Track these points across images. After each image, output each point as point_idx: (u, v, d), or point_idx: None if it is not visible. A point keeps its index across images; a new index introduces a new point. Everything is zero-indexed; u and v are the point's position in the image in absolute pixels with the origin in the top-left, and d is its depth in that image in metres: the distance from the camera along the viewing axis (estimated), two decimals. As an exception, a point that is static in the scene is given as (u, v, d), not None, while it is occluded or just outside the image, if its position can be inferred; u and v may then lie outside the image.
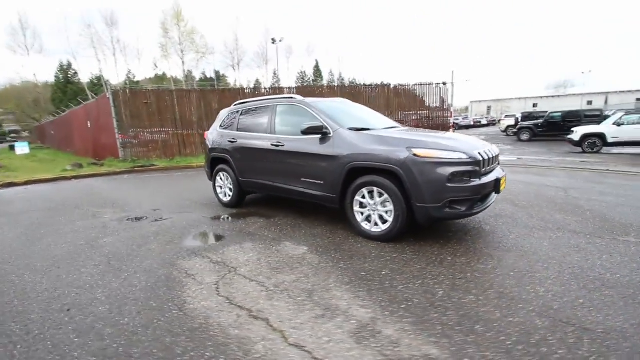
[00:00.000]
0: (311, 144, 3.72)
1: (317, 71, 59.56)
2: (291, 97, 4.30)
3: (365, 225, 3.38)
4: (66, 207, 5.54)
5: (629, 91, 41.07)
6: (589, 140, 11.93)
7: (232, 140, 4.77)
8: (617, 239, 3.13)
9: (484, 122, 41.57)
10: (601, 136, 11.76)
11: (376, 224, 3.30)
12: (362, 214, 3.41)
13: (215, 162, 5.19)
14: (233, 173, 4.81)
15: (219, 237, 3.72)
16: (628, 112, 12.04)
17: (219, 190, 5.20)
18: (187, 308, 2.22)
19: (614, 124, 11.65)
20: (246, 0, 69.02)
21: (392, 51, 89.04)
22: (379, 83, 13.03)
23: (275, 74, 54.62)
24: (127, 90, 11.74)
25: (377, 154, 3.16)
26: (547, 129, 17.65)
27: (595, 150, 11.77)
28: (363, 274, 2.62)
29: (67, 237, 3.91)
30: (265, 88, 13.42)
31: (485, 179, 3.04)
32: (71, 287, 2.62)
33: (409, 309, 2.09)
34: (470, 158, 2.95)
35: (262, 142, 4.30)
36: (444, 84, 13.04)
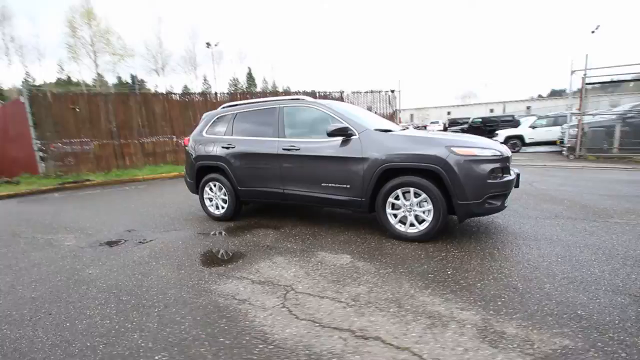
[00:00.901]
0: (333, 147, 3.55)
1: (250, 78, 58.48)
2: (298, 99, 4.07)
3: (400, 227, 3.33)
4: (0, 236, 4.34)
5: (521, 100, 49.22)
6: (511, 141, 13.88)
7: (228, 146, 4.30)
8: (608, 221, 3.63)
9: (412, 127, 45.50)
10: (520, 137, 13.80)
11: (412, 225, 3.28)
12: (394, 215, 3.36)
13: (203, 171, 4.62)
14: (229, 182, 4.34)
15: (238, 255, 3.28)
16: (540, 117, 14.36)
17: (207, 202, 4.63)
18: (274, 339, 1.87)
19: (529, 127, 13.77)
20: (169, 0, 64.42)
21: (324, 60, 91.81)
22: (310, 91, 13.17)
23: (205, 80, 52.05)
24: (49, 94, 9.83)
25: (416, 154, 3.14)
26: (471, 132, 20.05)
27: (516, 149, 13.73)
28: (431, 275, 2.55)
29: (31, 274, 3.04)
30: (217, 93, 12.56)
31: (512, 175, 3.25)
32: (90, 336, 2.02)
33: (514, 305, 2.08)
34: (501, 154, 3.13)
35: (270, 146, 3.96)
36: (392, 91, 13.87)
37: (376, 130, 3.50)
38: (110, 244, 3.84)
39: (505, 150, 3.24)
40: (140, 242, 3.82)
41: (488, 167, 3.01)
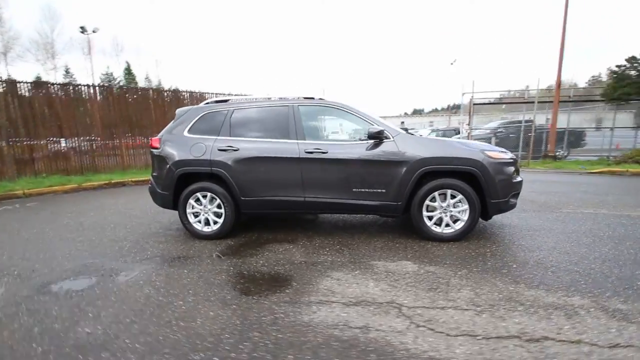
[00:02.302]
0: (365, 150, 3.41)
1: (129, 74, 50.60)
2: (313, 98, 3.75)
3: (436, 229, 3.41)
4: None
5: (396, 116, 57.74)
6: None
7: (228, 148, 3.60)
8: (562, 211, 4.58)
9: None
10: (420, 147, 16.15)
11: (447, 225, 3.41)
12: (429, 218, 3.43)
13: (186, 180, 3.73)
14: (227, 192, 3.63)
15: (280, 277, 2.76)
16: (433, 130, 17.09)
17: (192, 219, 3.76)
18: (457, 363, 1.64)
19: (427, 138, 16.24)
20: (7, -33, 49.81)
21: (219, 61, 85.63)
22: (196, 90, 11.45)
23: (67, 71, 42.61)
24: None
25: (457, 157, 3.29)
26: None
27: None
28: (505, 271, 2.70)
29: (-24, 353, 1.85)
30: (92, 85, 10.38)
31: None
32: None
33: (594, 285, 2.38)
34: (515, 158, 3.58)
35: (289, 149, 3.51)
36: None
37: (409, 133, 3.52)
38: (74, 285, 2.69)
39: (513, 155, 3.73)
40: (123, 278, 2.80)
41: (511, 169, 3.40)
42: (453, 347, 1.77)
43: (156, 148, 3.84)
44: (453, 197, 3.36)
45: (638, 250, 3.06)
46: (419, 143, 3.42)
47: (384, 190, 3.41)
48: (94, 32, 26.76)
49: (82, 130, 9.40)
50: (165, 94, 11.26)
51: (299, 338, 1.90)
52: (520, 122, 12.35)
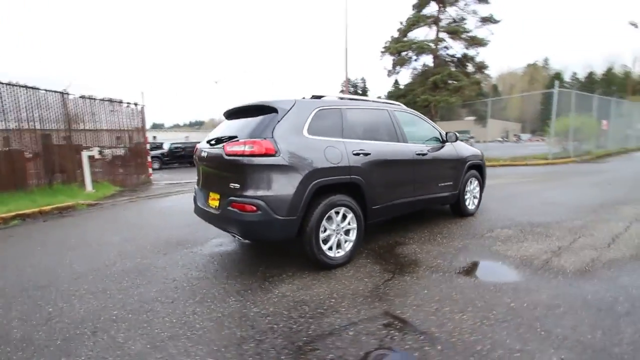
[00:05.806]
0: (443, 151, 4.18)
1: None
2: (393, 104, 3.98)
3: (469, 206, 4.71)
4: None
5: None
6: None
7: (360, 152, 3.15)
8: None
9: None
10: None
11: (473, 203, 4.79)
12: (466, 200, 4.67)
13: (319, 195, 2.85)
14: (358, 204, 3.16)
15: (472, 265, 3.11)
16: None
17: (324, 245, 2.92)
18: (641, 254, 3.05)
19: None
20: None
21: None
22: None
23: None
24: None
25: (476, 154, 4.73)
26: (170, 158, 19.82)
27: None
28: (536, 223, 4.44)
29: None
30: None
31: None
32: None
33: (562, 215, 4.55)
34: (478, 154, 5.49)
35: (405, 151, 3.64)
36: (136, 104, 11.01)
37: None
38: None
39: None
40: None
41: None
42: (607, 252, 3.19)
43: (270, 155, 2.62)
44: (476, 182, 4.78)
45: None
46: (460, 146, 4.59)
47: (451, 183, 4.31)
48: None
49: None
50: None
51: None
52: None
